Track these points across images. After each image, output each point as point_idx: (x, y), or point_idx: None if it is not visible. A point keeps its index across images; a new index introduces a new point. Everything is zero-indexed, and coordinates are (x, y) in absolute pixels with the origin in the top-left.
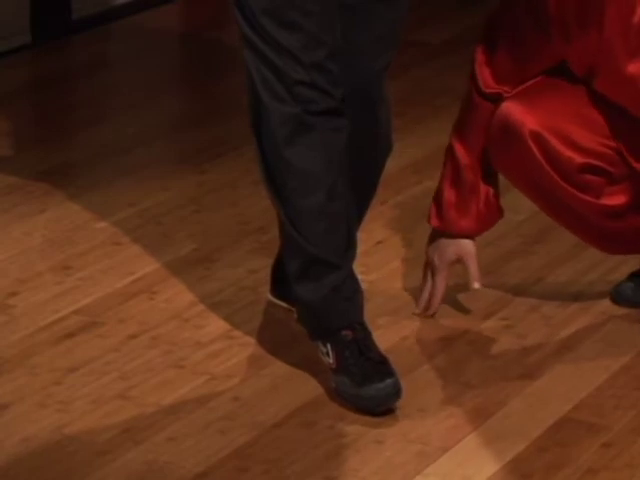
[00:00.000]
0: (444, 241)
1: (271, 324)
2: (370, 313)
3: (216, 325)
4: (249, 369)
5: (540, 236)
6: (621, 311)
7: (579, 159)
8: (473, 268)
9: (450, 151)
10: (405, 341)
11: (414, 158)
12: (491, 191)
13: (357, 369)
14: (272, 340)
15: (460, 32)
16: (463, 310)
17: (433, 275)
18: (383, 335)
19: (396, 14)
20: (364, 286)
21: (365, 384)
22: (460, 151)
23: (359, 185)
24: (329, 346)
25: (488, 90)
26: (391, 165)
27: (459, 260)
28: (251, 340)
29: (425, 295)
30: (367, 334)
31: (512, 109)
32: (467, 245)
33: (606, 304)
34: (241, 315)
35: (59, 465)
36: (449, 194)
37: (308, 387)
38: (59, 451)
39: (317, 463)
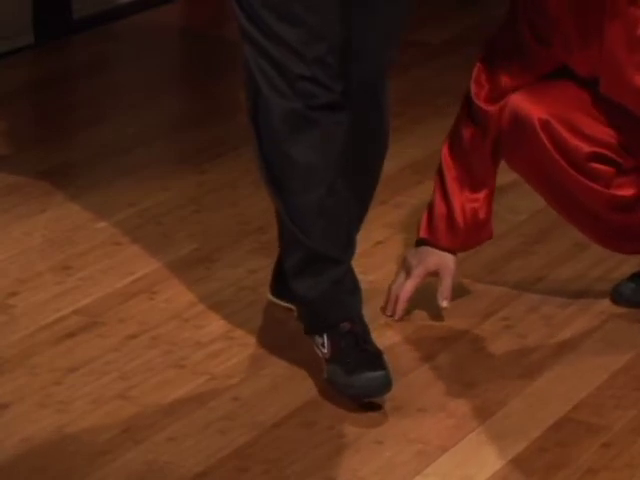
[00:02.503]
0: (427, 250)
1: (271, 324)
2: (370, 313)
3: (216, 325)
4: (249, 369)
5: (540, 236)
6: (621, 311)
7: (587, 148)
8: (446, 284)
9: (441, 161)
10: (405, 341)
11: (414, 158)
12: (478, 208)
13: (351, 358)
14: (272, 340)
15: (460, 32)
16: (463, 310)
17: (406, 279)
18: (383, 335)
19: (401, 9)
20: (364, 286)
21: (356, 372)
22: (448, 163)
23: (358, 185)
24: (325, 336)
25: (479, 102)
26: (391, 165)
27: (436, 273)
28: (251, 340)
29: (392, 297)
30: (365, 328)
31: (520, 101)
32: (448, 260)
33: (606, 304)
34: (241, 315)
35: (59, 465)
36: (440, 206)
37: (308, 387)
38: (59, 451)
39: (317, 463)
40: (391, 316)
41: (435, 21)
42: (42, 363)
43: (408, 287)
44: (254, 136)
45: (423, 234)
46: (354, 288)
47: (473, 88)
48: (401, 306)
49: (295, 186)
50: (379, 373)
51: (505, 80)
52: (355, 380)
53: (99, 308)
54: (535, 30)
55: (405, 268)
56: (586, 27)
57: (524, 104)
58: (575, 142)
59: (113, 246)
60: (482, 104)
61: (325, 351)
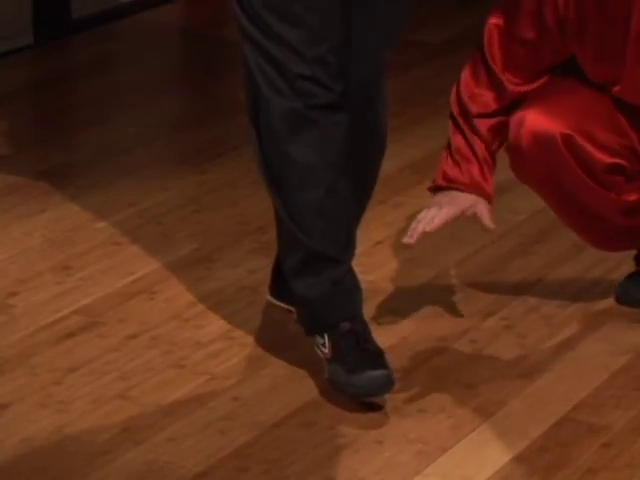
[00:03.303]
0: (460, 193)
1: (271, 324)
2: (370, 313)
3: (216, 325)
4: (249, 369)
5: (540, 236)
6: (621, 311)
7: (608, 159)
8: (487, 213)
9: (461, 100)
10: (405, 341)
11: (414, 158)
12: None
13: (352, 358)
14: (272, 340)
15: (460, 32)
16: (463, 310)
17: (442, 206)
18: (383, 335)
19: (401, 9)
20: (364, 286)
21: (358, 371)
22: (471, 105)
23: (356, 185)
24: (326, 337)
25: (499, 72)
26: (391, 165)
27: (472, 208)
28: (251, 340)
29: (414, 225)
30: (366, 328)
31: (537, 118)
32: (483, 201)
33: (606, 304)
34: (241, 315)
35: (59, 465)
36: (465, 150)
37: (308, 387)
38: (59, 451)
39: (317, 463)
40: (407, 240)
41: (435, 21)
42: (42, 363)
43: (436, 221)
44: (254, 136)
45: (448, 182)
46: (354, 288)
47: (487, 53)
48: (419, 232)
49: (294, 185)
50: (380, 372)
51: (521, 56)
52: (356, 379)
53: (99, 308)
54: (556, 16)
55: (435, 204)
56: (608, 21)
57: (542, 121)
58: (598, 155)
59: (113, 246)
60: (503, 78)
61: (326, 351)
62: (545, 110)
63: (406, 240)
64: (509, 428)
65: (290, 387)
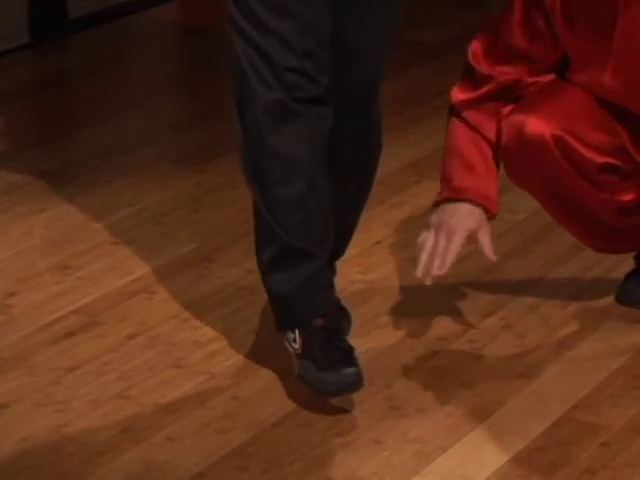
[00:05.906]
0: (464, 207)
1: (270, 324)
2: (370, 313)
3: (215, 325)
4: (248, 369)
5: (539, 236)
6: (620, 310)
7: (599, 159)
8: (488, 241)
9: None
10: (405, 341)
11: (413, 158)
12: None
13: (322, 354)
14: (271, 340)
15: (460, 32)
16: (463, 310)
17: (449, 235)
18: (383, 335)
19: (395, 9)
20: (363, 286)
21: (329, 368)
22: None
23: (354, 185)
24: (297, 332)
25: (477, 65)
26: (390, 165)
27: (477, 230)
28: (250, 340)
29: (433, 256)
30: (338, 324)
31: (526, 120)
32: (484, 218)
33: (605, 303)
34: (240, 315)
35: (58, 465)
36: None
37: (307, 387)
38: (58, 451)
39: (316, 462)
40: (425, 277)
41: (435, 21)
42: (41, 363)
43: (457, 242)
44: (239, 128)
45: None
46: (329, 284)
47: (470, 54)
48: (451, 260)
49: (275, 178)
50: (351, 370)
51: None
52: (327, 376)
53: (98, 308)
54: (545, 15)
55: (442, 228)
56: (598, 22)
57: (531, 123)
58: (588, 155)
59: (112, 246)
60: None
61: (296, 347)
62: (535, 113)
63: (420, 274)
64: (508, 428)
65: (289, 387)
